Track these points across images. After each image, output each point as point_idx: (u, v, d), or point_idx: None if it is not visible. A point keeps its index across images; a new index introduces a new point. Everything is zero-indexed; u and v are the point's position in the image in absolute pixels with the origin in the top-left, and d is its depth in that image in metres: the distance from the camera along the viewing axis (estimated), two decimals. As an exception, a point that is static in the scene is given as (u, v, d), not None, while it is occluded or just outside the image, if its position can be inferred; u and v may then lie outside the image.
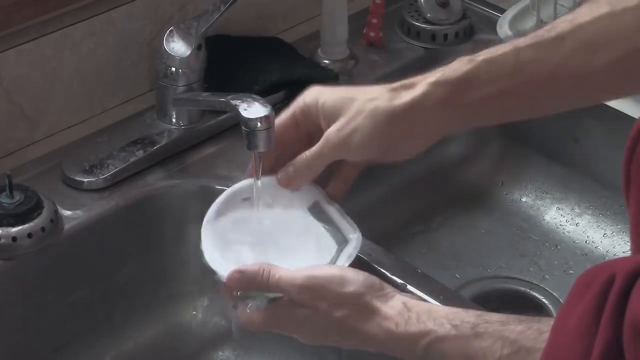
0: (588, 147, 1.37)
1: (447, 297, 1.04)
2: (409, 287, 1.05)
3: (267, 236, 0.94)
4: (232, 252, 0.93)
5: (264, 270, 0.88)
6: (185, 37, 1.16)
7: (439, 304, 1.04)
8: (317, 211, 0.94)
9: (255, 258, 0.92)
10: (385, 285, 0.88)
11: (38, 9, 1.13)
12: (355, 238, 0.92)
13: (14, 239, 1.04)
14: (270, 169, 0.99)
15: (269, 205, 0.95)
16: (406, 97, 0.90)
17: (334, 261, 0.90)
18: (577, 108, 0.94)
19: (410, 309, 0.86)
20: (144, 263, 1.17)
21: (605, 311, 0.63)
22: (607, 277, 0.64)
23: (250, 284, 0.89)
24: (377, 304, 0.86)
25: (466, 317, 0.85)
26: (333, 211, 0.93)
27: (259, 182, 0.95)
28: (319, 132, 0.94)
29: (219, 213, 0.95)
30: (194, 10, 1.25)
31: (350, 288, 0.86)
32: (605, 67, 0.86)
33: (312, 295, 0.87)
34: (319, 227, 0.94)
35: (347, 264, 0.89)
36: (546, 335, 0.72)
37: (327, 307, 0.86)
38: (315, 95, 0.95)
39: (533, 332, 0.81)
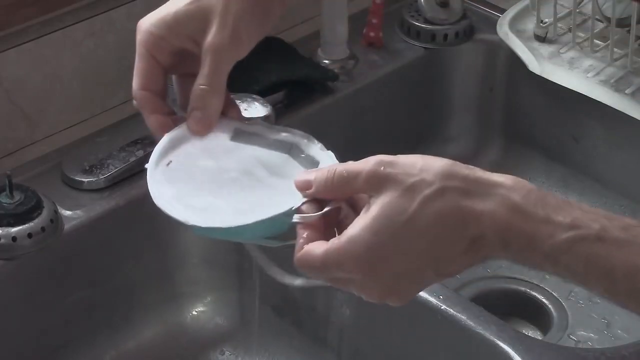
0: (588, 147, 1.37)
1: (447, 297, 1.04)
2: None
3: (205, 186, 0.80)
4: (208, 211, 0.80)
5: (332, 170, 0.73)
6: (185, 37, 1.16)
7: (438, 302, 1.04)
8: (243, 137, 0.82)
9: (203, 208, 0.79)
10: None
11: (38, 9, 1.13)
12: (301, 136, 0.81)
13: (14, 239, 1.04)
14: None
15: (192, 158, 0.82)
16: None
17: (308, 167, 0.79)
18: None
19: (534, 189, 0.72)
20: (144, 263, 1.17)
21: None
22: None
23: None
24: (482, 173, 0.71)
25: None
26: (260, 128, 0.82)
27: (166, 142, 0.83)
28: (181, 60, 0.82)
29: (156, 184, 0.83)
30: (194, 10, 1.24)
31: (438, 161, 0.70)
32: None
33: (391, 173, 0.70)
34: (255, 150, 0.82)
35: (333, 157, 0.78)
36: None
37: (417, 180, 0.69)
38: (153, 20, 0.83)
39: None
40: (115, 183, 1.14)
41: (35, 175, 1.14)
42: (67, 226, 1.09)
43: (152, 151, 1.18)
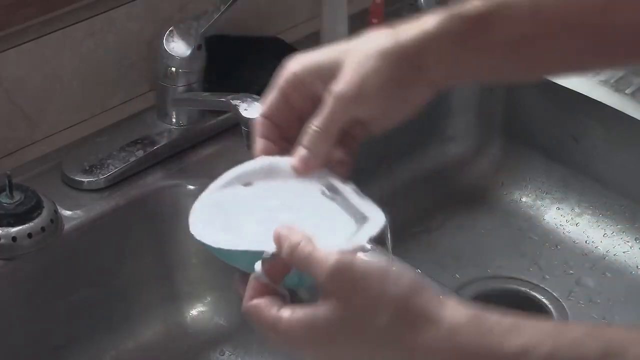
0: (588, 147, 1.37)
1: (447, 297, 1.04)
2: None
3: (272, 217, 0.80)
4: (230, 231, 0.81)
5: (299, 242, 0.73)
6: (185, 37, 1.16)
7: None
8: (331, 192, 0.82)
9: (256, 237, 0.79)
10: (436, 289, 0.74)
11: (38, 9, 1.13)
12: (376, 216, 0.80)
13: (14, 239, 1.04)
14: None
15: (275, 189, 0.83)
16: (414, 30, 0.81)
17: (351, 238, 0.78)
18: (591, 70, 0.82)
19: (486, 319, 0.71)
20: (143, 263, 1.17)
21: None
22: None
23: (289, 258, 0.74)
24: (434, 308, 0.70)
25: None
26: (349, 191, 0.81)
27: (258, 164, 0.84)
28: (313, 106, 0.82)
29: (216, 193, 0.84)
30: (194, 10, 1.25)
31: (394, 287, 0.70)
32: (627, 23, 0.78)
33: (344, 286, 0.70)
34: (333, 207, 0.81)
35: (365, 241, 0.77)
36: None
37: (366, 305, 0.69)
38: (302, 62, 0.84)
39: None
40: (115, 183, 1.14)
41: (35, 175, 1.14)
42: (67, 226, 1.09)
43: (152, 151, 1.19)
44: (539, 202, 1.40)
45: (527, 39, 0.81)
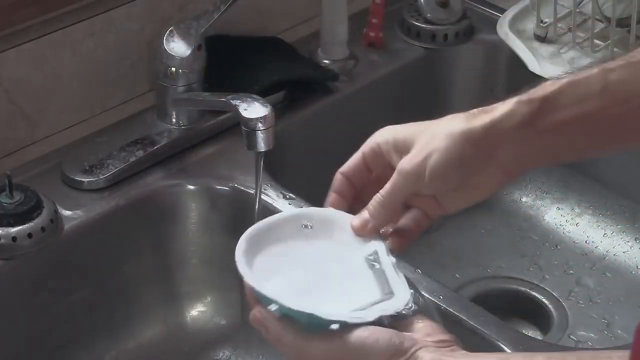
0: (588, 147, 1.37)
1: (447, 297, 1.04)
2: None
3: (309, 267, 0.85)
4: (266, 269, 0.86)
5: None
6: (185, 37, 1.16)
7: (438, 302, 1.04)
8: (372, 260, 0.86)
9: (288, 284, 0.84)
10: (406, 341, 0.77)
11: (38, 9, 1.13)
12: (401, 296, 0.82)
13: (14, 239, 1.04)
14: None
15: (327, 239, 0.88)
16: (485, 118, 0.83)
17: (368, 310, 0.82)
18: None
19: None
20: (143, 263, 1.17)
21: None
22: None
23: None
24: None
25: None
26: (388, 263, 0.85)
27: (323, 211, 0.89)
28: (390, 175, 0.86)
29: (270, 228, 0.87)
30: (194, 10, 1.25)
31: (373, 356, 0.76)
32: None
33: (339, 356, 0.78)
34: (368, 274, 0.85)
35: (375, 317, 0.80)
36: None
37: None
38: (386, 132, 0.88)
39: None
40: (115, 183, 1.14)
41: (35, 175, 1.14)
42: (67, 226, 1.09)
43: (152, 151, 1.19)
44: (539, 202, 1.40)
45: (597, 115, 0.82)
